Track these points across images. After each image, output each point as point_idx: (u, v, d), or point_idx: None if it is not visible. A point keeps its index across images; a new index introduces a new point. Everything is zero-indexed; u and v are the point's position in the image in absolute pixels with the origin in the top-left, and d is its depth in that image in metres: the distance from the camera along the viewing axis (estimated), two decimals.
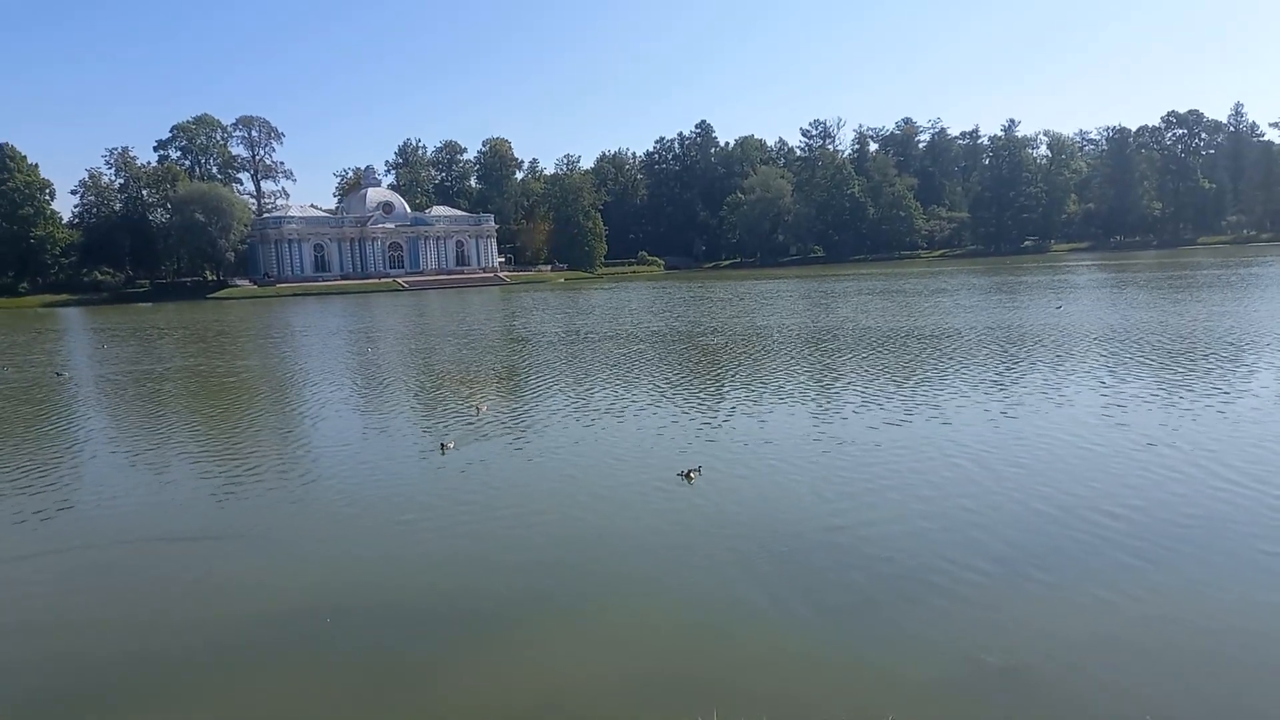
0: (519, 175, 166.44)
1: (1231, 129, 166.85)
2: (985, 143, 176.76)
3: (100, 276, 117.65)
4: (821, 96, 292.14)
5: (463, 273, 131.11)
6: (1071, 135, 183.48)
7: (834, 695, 7.83)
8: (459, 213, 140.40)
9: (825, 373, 26.42)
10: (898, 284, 76.01)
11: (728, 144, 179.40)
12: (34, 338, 57.31)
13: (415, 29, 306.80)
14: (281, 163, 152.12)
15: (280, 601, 10.44)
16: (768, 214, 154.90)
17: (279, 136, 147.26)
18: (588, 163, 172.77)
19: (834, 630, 9.03)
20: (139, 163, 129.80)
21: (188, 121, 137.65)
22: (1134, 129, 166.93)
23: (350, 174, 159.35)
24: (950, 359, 27.62)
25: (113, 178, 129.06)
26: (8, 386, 31.39)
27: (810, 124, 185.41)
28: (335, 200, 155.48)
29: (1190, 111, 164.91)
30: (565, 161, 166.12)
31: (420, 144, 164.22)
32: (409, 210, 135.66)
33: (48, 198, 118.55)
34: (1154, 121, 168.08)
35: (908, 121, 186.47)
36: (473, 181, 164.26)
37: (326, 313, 74.18)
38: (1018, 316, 41.03)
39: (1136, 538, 10.94)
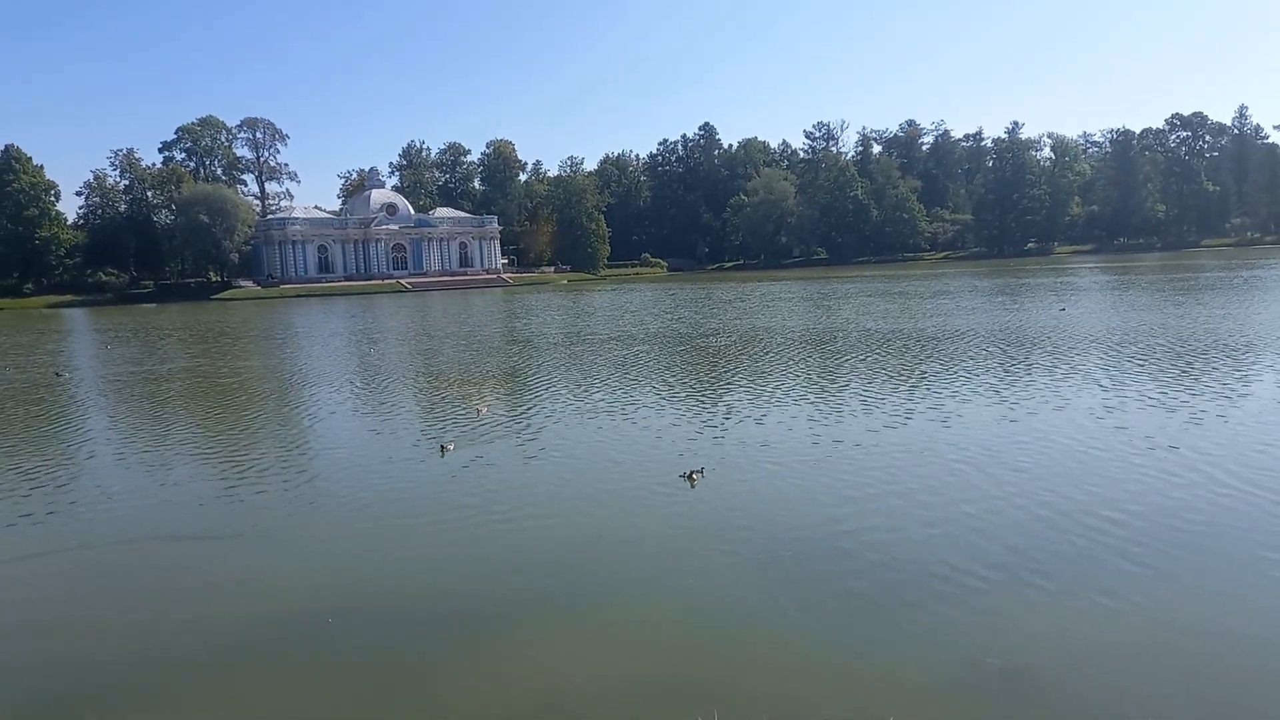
0: (522, 177, 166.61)
1: (1236, 131, 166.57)
2: (989, 145, 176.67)
3: (105, 277, 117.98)
4: (825, 98, 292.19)
5: (466, 274, 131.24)
6: (1075, 137, 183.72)
7: (834, 696, 7.83)
8: (462, 214, 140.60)
9: (827, 375, 26.41)
10: (900, 286, 75.96)
11: (731, 146, 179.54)
12: (37, 338, 57.47)
13: (419, 31, 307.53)
14: (286, 164, 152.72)
15: (281, 601, 10.45)
16: (771, 216, 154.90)
17: (283, 138, 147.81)
18: (591, 164, 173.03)
19: (835, 631, 9.03)
20: (144, 164, 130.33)
21: (192, 123, 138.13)
22: (1138, 131, 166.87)
23: (354, 175, 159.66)
24: (952, 361, 27.60)
25: (118, 179, 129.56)
26: (9, 387, 31.48)
27: (814, 126, 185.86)
28: (339, 202, 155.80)
29: (1194, 114, 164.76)
30: (569, 163, 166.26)
31: (424, 145, 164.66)
32: (412, 212, 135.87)
33: (53, 199, 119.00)
34: (1158, 124, 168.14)
35: (911, 124, 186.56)
36: (476, 183, 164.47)
37: (329, 314, 74.29)
38: (1020, 319, 40.99)
39: (1136, 542, 10.92)
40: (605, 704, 7.95)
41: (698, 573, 10.68)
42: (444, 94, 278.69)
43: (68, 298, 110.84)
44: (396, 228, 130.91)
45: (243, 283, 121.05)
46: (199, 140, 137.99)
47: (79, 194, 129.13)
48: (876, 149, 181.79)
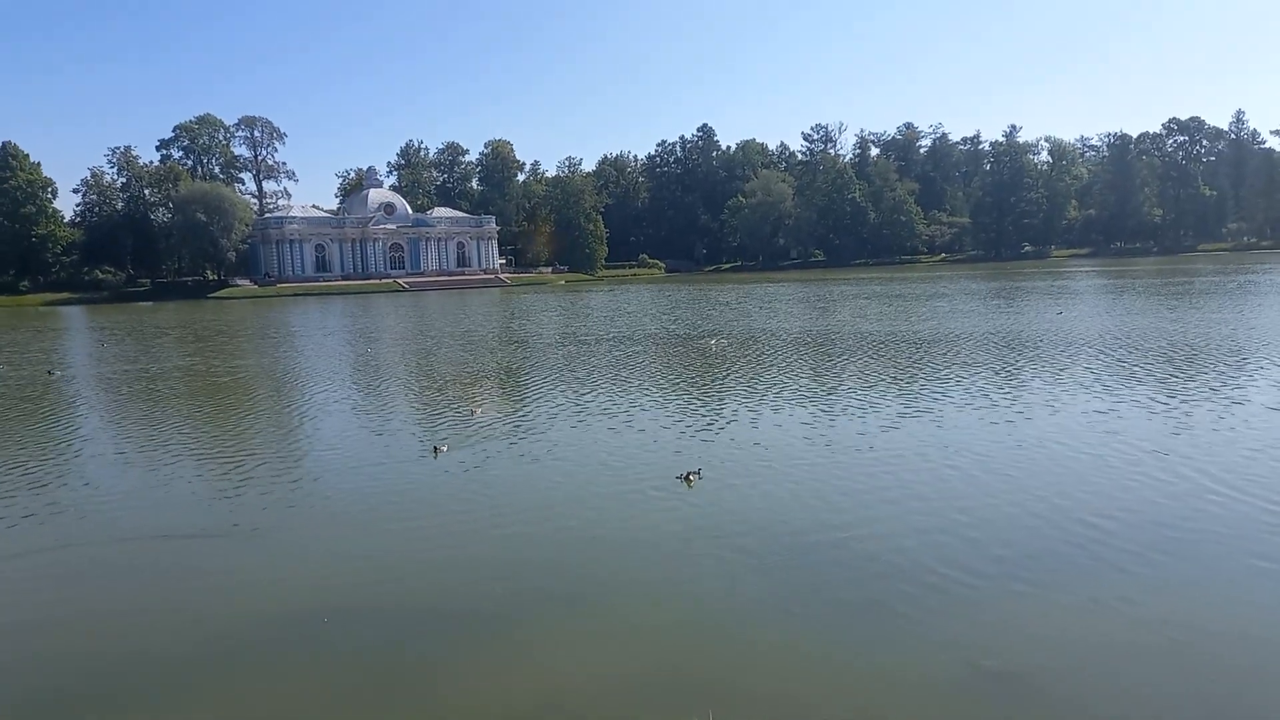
0: (521, 177, 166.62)
1: (1233, 136, 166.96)
2: (986, 148, 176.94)
3: (101, 275, 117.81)
4: (823, 101, 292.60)
5: (463, 274, 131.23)
6: (1073, 141, 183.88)
7: (832, 696, 7.85)
8: (460, 214, 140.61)
9: (823, 376, 26.45)
10: (897, 289, 76.08)
11: (729, 147, 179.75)
12: (33, 336, 57.36)
13: (418, 31, 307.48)
14: (283, 163, 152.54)
15: (278, 601, 10.44)
16: (769, 218, 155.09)
17: (281, 137, 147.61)
18: (589, 165, 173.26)
19: (833, 632, 9.05)
20: (141, 162, 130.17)
21: (190, 121, 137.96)
22: (1135, 135, 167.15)
23: (352, 175, 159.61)
24: (947, 364, 27.66)
25: (115, 177, 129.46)
26: (2, 385, 31.40)
27: (812, 128, 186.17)
28: (337, 201, 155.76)
29: (1191, 118, 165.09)
30: (567, 164, 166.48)
31: (422, 145, 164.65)
32: (410, 211, 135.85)
33: (50, 196, 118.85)
34: (1155, 128, 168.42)
35: (909, 126, 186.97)
36: (474, 183, 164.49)
37: (326, 313, 74.24)
38: (1015, 322, 41.07)
39: (1130, 544, 10.95)
40: (603, 704, 7.95)
41: (696, 573, 10.69)
42: (442, 94, 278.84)
43: (64, 295, 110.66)
44: (394, 227, 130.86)
45: (240, 281, 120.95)
46: (197, 139, 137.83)
47: (76, 191, 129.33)
48: (874, 151, 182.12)
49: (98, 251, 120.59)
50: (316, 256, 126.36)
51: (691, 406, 22.00)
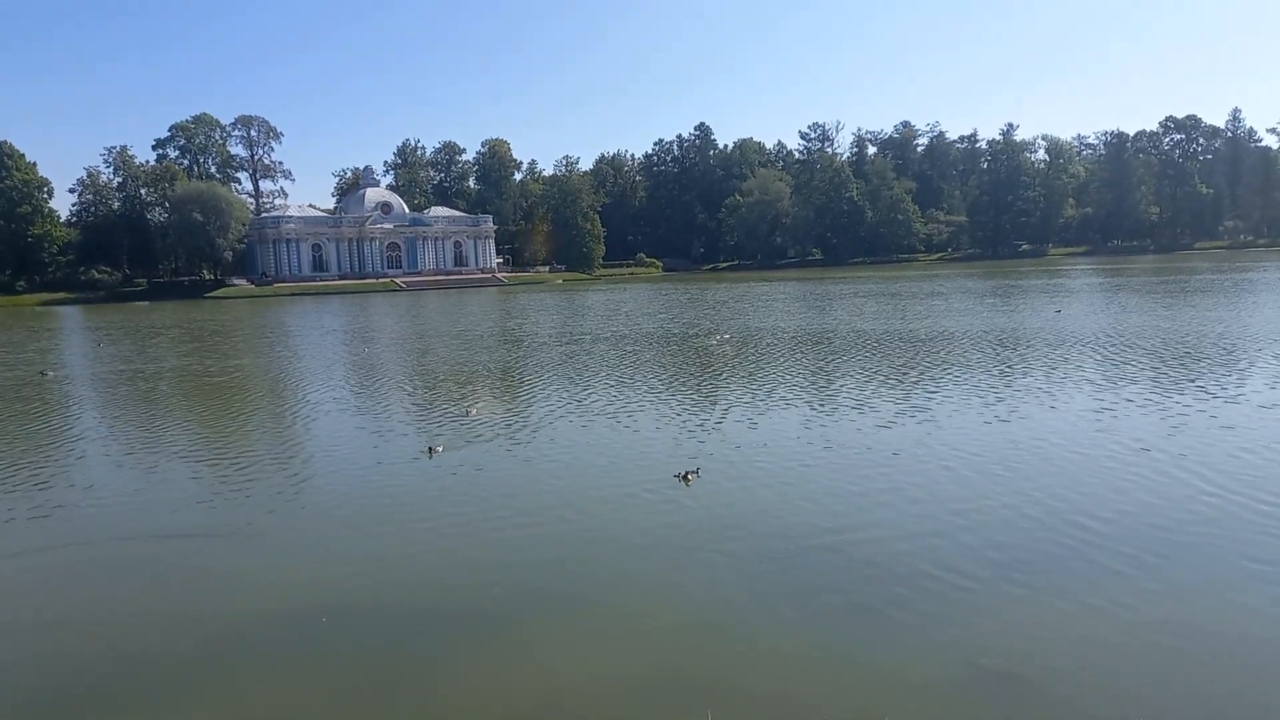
0: (518, 176, 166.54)
1: (1229, 134, 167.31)
2: (983, 146, 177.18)
3: (98, 275, 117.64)
4: (820, 100, 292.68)
5: (461, 273, 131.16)
6: (1069, 140, 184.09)
7: (831, 696, 7.86)
8: (457, 213, 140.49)
9: (820, 375, 26.46)
10: (895, 287, 76.13)
11: (726, 146, 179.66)
12: (28, 336, 57.24)
13: (414, 31, 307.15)
14: (280, 162, 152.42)
15: (276, 600, 10.43)
16: (766, 216, 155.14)
17: (277, 136, 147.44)
18: (586, 164, 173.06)
19: (831, 631, 9.06)
20: (137, 162, 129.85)
21: (186, 121, 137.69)
22: (1132, 134, 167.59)
23: (349, 174, 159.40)
24: (944, 363, 27.68)
25: (111, 176, 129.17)
26: None
27: (809, 127, 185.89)
28: (333, 200, 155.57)
29: (1188, 117, 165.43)
30: (564, 163, 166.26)
31: (419, 144, 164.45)
32: (407, 211, 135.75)
33: (46, 196, 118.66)
34: (1152, 126, 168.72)
35: (906, 125, 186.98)
36: (471, 182, 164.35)
37: (323, 313, 74.16)
38: (1012, 321, 41.11)
39: (1127, 544, 10.96)
40: (603, 704, 7.96)
41: (694, 572, 10.69)
42: (439, 93, 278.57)
43: (60, 295, 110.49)
44: (391, 226, 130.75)
45: (236, 281, 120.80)
46: (193, 138, 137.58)
47: (72, 191, 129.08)
48: (871, 150, 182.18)
49: (94, 251, 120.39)
50: (313, 256, 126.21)
51: (689, 405, 21.99)
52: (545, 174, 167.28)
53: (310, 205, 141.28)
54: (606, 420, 20.26)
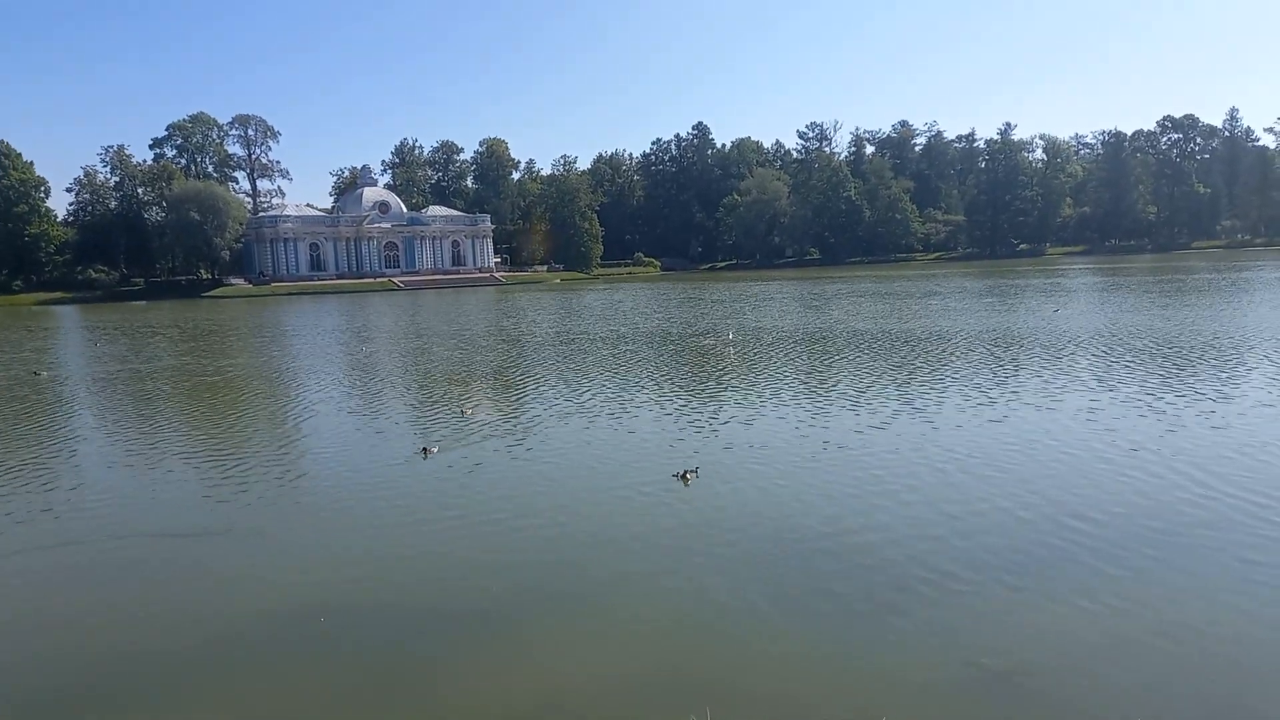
0: (516, 176, 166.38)
1: (1226, 134, 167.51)
2: (981, 146, 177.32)
3: (95, 274, 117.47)
4: (818, 100, 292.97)
5: (458, 273, 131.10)
6: (1067, 139, 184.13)
7: (830, 696, 7.88)
8: (455, 213, 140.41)
9: (818, 375, 26.48)
10: (892, 287, 76.18)
11: (724, 146, 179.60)
12: (24, 336, 57.14)
13: (412, 30, 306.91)
14: (277, 161, 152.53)
15: (275, 599, 10.44)
16: (764, 216, 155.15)
17: (275, 135, 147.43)
18: (584, 164, 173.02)
19: (830, 631, 9.07)
20: (134, 161, 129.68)
21: (184, 120, 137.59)
22: (1129, 133, 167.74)
23: (346, 173, 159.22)
24: (941, 362, 27.72)
25: (108, 176, 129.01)
26: None
27: (807, 126, 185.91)
28: (331, 199, 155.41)
29: (1186, 116, 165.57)
30: (562, 162, 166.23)
31: (417, 144, 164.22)
32: (405, 210, 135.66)
33: (43, 195, 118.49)
34: (1150, 126, 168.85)
35: (904, 124, 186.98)
36: (469, 182, 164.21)
37: (321, 312, 74.10)
38: (1009, 320, 41.15)
39: (1125, 542, 11.00)
40: (602, 703, 7.97)
41: (693, 572, 10.70)
42: (437, 93, 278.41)
43: (57, 295, 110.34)
44: (389, 226, 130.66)
45: (234, 280, 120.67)
46: (190, 137, 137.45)
47: (69, 191, 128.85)
48: (869, 150, 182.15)
49: (91, 251, 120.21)
50: (311, 255, 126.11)
51: (687, 405, 22.00)
52: (543, 173, 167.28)
53: (308, 205, 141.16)
54: (604, 420, 20.25)
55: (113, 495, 15.30)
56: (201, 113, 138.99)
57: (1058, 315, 42.42)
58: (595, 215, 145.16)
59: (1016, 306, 49.21)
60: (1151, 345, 29.34)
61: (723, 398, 23.01)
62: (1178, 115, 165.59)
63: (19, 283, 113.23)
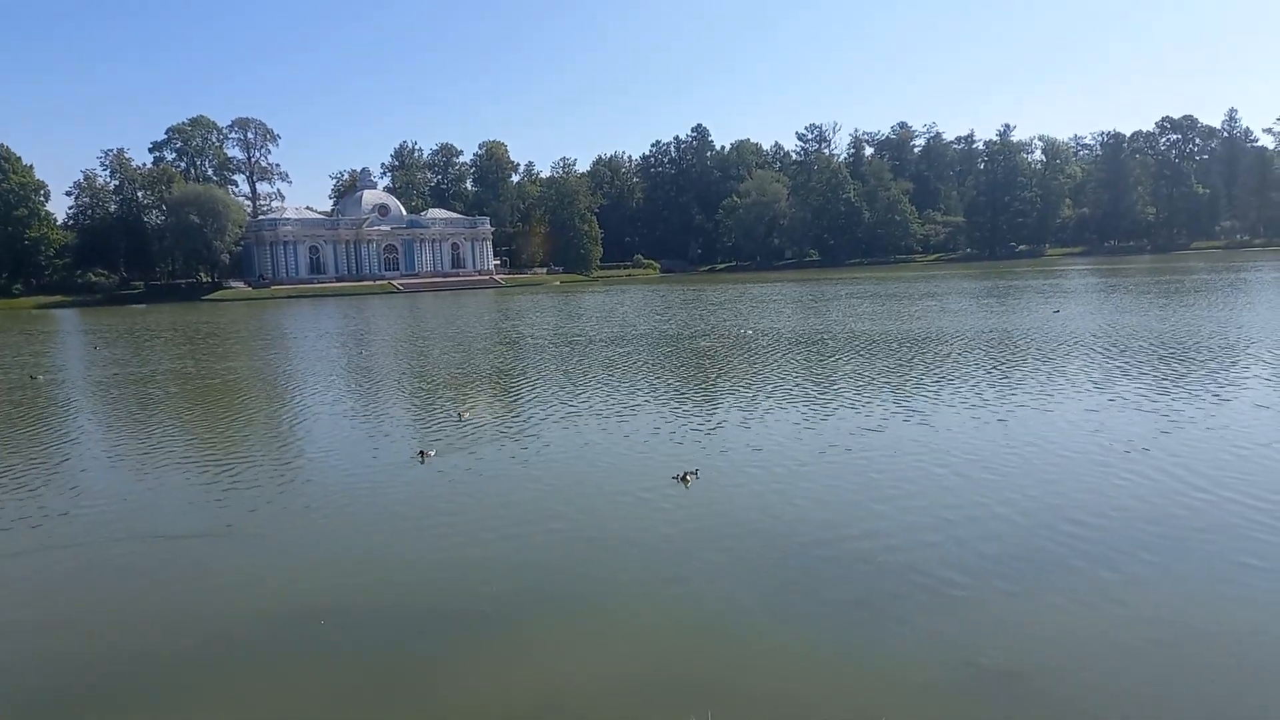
0: (515, 178, 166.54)
1: (1225, 135, 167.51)
2: (980, 147, 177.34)
3: (95, 278, 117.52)
4: (817, 101, 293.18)
5: (458, 275, 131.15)
6: (1066, 140, 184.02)
7: (830, 695, 7.89)
8: (454, 215, 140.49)
9: (816, 377, 26.49)
10: (892, 288, 76.21)
11: (724, 148, 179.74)
12: (23, 340, 57.14)
13: (411, 33, 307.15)
14: (277, 164, 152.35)
15: (275, 601, 10.45)
16: (763, 217, 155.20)
17: (274, 138, 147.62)
18: (584, 166, 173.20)
19: (830, 632, 9.09)
20: (134, 164, 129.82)
21: (183, 123, 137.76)
22: (1128, 134, 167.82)
23: (346, 176, 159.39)
24: (940, 364, 27.74)
25: (108, 179, 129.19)
26: None
27: (806, 128, 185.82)
28: (331, 202, 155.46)
29: (1185, 117, 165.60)
30: (561, 165, 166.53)
31: (416, 146, 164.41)
32: (404, 213, 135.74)
33: (42, 199, 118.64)
34: (1149, 127, 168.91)
35: (903, 126, 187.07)
36: (469, 184, 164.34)
37: (320, 315, 74.12)
38: (1008, 321, 41.17)
39: (1122, 543, 11.01)
40: (602, 704, 7.99)
41: (693, 573, 10.72)
42: (436, 96, 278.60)
43: (57, 298, 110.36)
44: (388, 228, 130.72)
45: (234, 283, 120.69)
46: (190, 140, 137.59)
47: (69, 194, 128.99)
48: (868, 151, 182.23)
49: (91, 254, 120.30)
50: (310, 258, 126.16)
51: (686, 407, 22.01)
52: (542, 176, 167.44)
53: (307, 207, 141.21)
54: (603, 422, 20.26)
55: (112, 498, 15.30)
56: (201, 116, 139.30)
57: (1058, 316, 42.44)
58: (594, 217, 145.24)
59: (1015, 308, 49.23)
60: (1149, 346, 29.36)
61: (722, 400, 23.02)
62: (1176, 116, 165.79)
63: (19, 286, 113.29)
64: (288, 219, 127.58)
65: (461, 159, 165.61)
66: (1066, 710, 7.47)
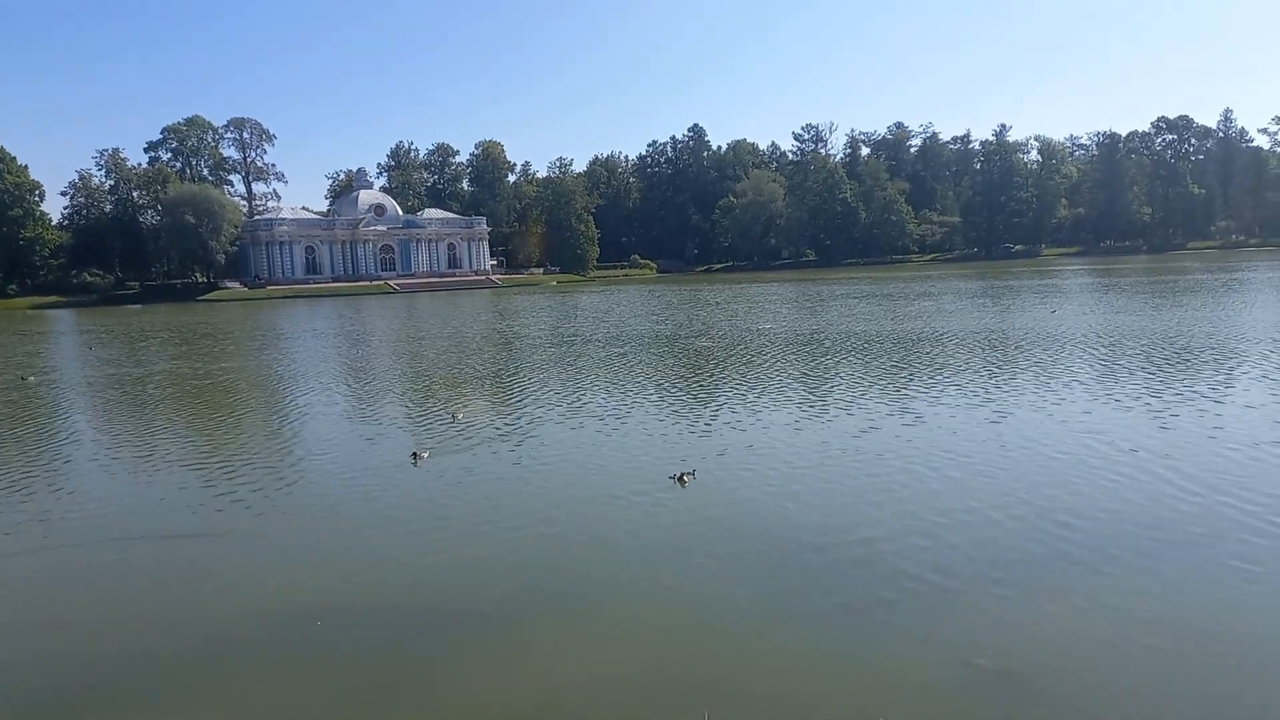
0: (511, 178, 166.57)
1: (1221, 135, 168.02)
2: (976, 147, 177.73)
3: (90, 278, 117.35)
4: (813, 101, 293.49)
5: (454, 275, 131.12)
6: (1062, 140, 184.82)
7: (828, 696, 7.89)
8: (451, 215, 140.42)
9: (813, 377, 26.51)
10: (888, 288, 76.30)
11: (720, 147, 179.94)
12: (17, 340, 56.97)
13: (408, 33, 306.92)
14: (273, 164, 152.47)
15: (273, 601, 10.43)
16: (760, 218, 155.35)
17: (270, 138, 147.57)
18: (580, 166, 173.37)
19: (828, 632, 9.09)
20: (129, 164, 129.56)
21: (179, 123, 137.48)
22: (1124, 134, 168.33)
23: (342, 176, 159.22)
24: (935, 364, 27.75)
25: (103, 179, 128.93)
26: None
27: (802, 128, 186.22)
28: (327, 202, 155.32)
29: (1180, 117, 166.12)
30: (558, 164, 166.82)
31: (412, 146, 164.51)
32: (401, 213, 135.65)
33: (37, 199, 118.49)
34: (1144, 127, 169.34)
35: (899, 126, 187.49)
36: (465, 184, 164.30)
37: (316, 315, 74.02)
38: (1002, 321, 41.24)
39: (1116, 544, 11.01)
40: (600, 704, 7.98)
41: (691, 574, 10.72)
42: (432, 95, 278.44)
43: (52, 298, 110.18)
44: (384, 229, 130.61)
45: (229, 284, 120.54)
46: (185, 140, 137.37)
47: (64, 194, 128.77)
48: (865, 151, 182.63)
49: (86, 254, 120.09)
50: (306, 258, 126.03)
51: (683, 408, 22.01)
52: (539, 176, 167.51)
53: (303, 208, 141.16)
54: (600, 423, 20.23)
55: (106, 498, 15.25)
56: (197, 116, 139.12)
57: (1055, 315, 42.52)
58: (591, 217, 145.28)
59: (1011, 307, 49.30)
60: (1145, 346, 29.41)
61: (719, 400, 23.01)
62: (1172, 116, 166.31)
63: (13, 286, 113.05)
64: (283, 219, 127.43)
65: (458, 159, 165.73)
66: (1065, 710, 7.48)
